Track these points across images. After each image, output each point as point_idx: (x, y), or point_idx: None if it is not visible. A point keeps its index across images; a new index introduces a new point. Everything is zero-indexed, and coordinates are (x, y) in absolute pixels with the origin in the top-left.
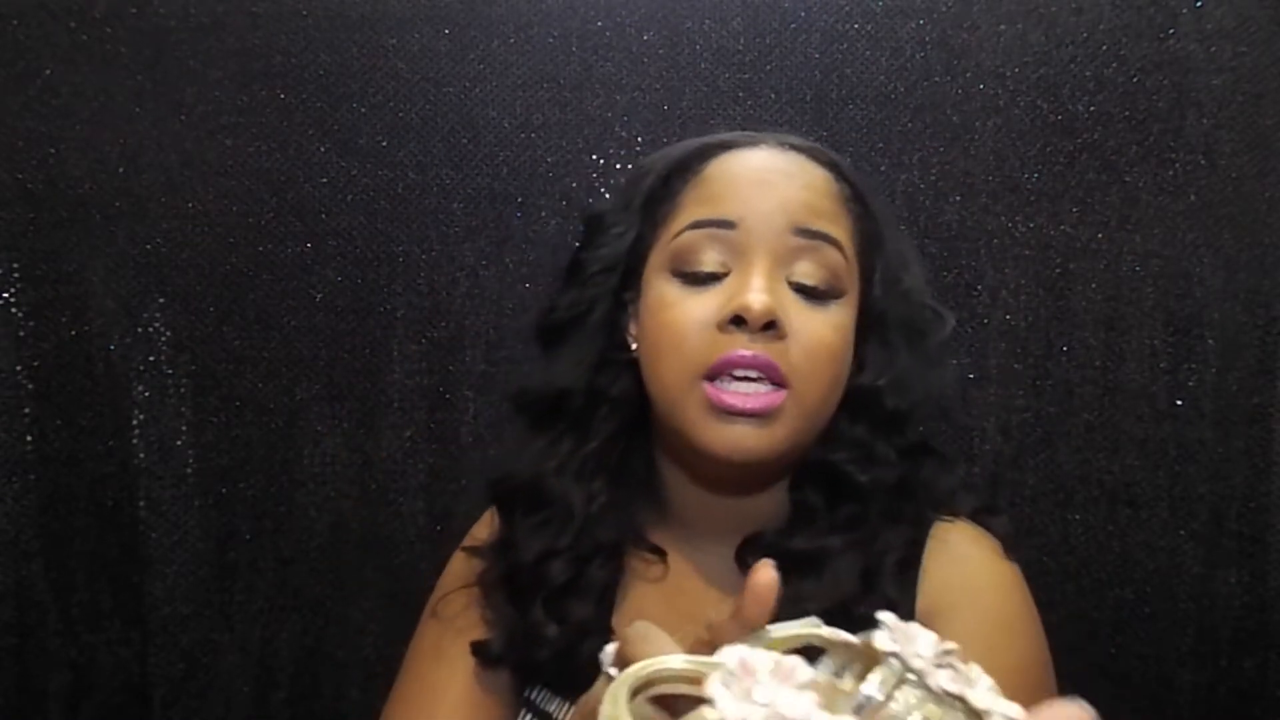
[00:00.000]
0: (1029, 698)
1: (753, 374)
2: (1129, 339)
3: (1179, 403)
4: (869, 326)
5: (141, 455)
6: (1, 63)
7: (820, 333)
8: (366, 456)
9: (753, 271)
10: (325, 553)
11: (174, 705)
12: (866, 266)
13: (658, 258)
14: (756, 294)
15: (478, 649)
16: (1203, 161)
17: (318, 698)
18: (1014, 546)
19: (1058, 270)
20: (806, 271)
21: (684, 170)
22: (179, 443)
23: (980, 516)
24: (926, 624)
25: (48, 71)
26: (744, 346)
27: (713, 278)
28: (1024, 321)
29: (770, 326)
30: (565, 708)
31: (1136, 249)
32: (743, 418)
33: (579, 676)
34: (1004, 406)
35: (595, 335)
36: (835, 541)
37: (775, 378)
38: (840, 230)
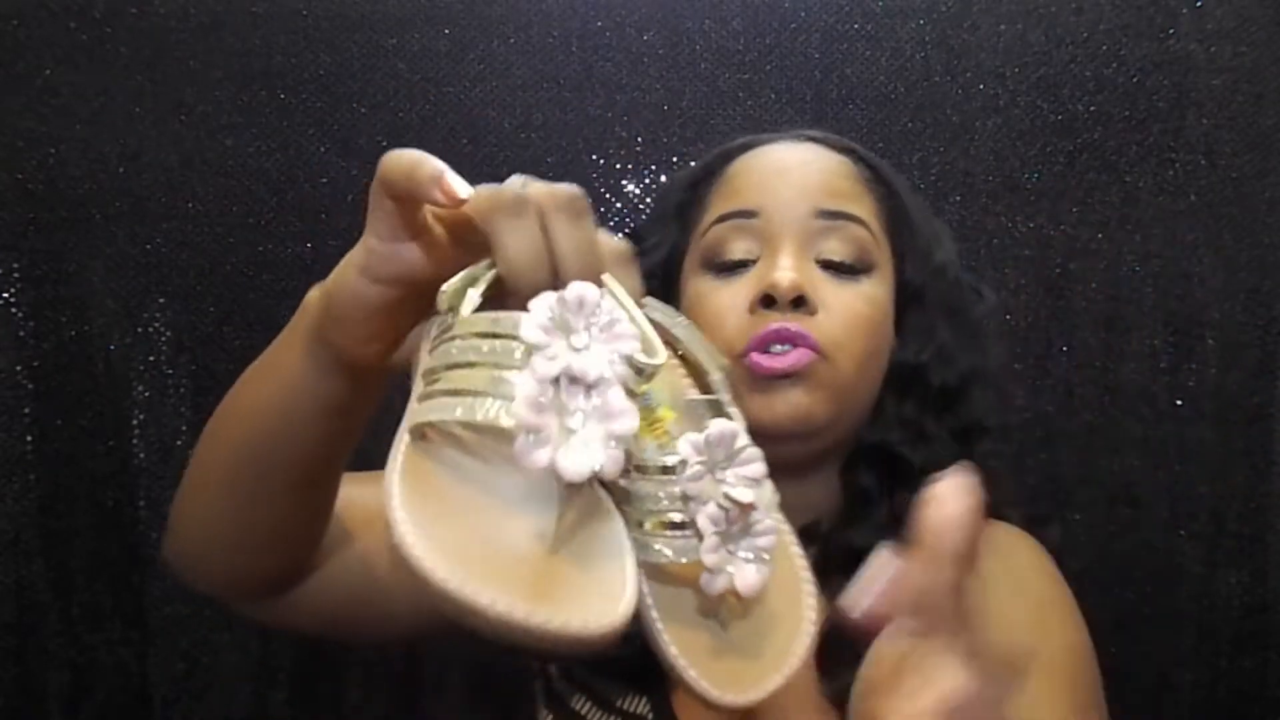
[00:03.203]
0: (1078, 679)
1: (788, 346)
2: (1129, 339)
3: (1179, 403)
4: (906, 304)
5: (141, 455)
6: (1, 63)
7: (853, 305)
8: (367, 456)
9: (779, 254)
10: None
11: (174, 705)
12: (896, 244)
13: (691, 258)
14: (783, 272)
15: None
16: (1203, 161)
17: (318, 698)
18: (1061, 557)
19: (1058, 270)
20: (834, 249)
21: (708, 175)
22: (179, 443)
23: (1031, 526)
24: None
25: (48, 71)
26: (776, 322)
27: (742, 266)
28: (1024, 321)
29: (800, 303)
30: (582, 700)
31: (1136, 249)
32: (783, 381)
33: (611, 665)
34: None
35: None
36: (891, 536)
37: (810, 346)
38: (863, 209)
